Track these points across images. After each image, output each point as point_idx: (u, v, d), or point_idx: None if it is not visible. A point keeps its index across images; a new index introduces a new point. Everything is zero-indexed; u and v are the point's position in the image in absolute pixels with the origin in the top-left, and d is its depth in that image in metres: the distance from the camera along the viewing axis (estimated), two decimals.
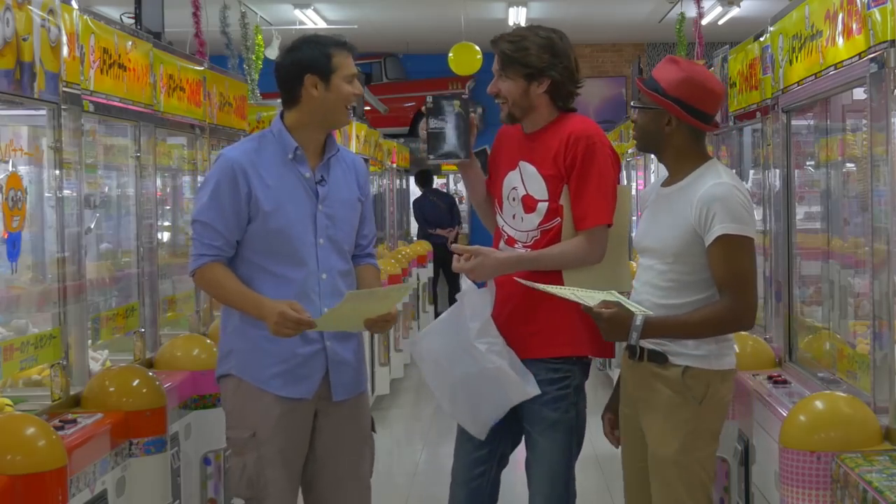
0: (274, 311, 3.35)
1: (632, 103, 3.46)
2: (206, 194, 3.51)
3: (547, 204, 3.61)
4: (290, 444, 3.51)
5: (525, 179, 3.66)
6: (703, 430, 3.30)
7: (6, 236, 3.62)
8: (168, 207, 5.76)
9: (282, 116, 3.57)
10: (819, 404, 3.37)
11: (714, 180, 3.27)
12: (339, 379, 3.56)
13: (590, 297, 3.28)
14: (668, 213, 3.35)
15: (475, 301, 3.57)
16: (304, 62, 3.47)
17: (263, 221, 3.47)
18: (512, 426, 3.67)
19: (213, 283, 3.52)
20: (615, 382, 3.63)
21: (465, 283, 3.60)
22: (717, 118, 3.47)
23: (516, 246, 3.66)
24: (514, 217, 3.68)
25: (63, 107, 3.80)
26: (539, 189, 3.62)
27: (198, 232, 3.51)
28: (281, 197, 3.49)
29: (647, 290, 3.37)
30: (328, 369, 3.53)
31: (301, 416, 3.53)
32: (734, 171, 4.85)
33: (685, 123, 3.32)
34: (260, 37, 9.16)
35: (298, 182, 3.52)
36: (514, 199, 3.68)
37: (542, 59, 3.61)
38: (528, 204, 3.64)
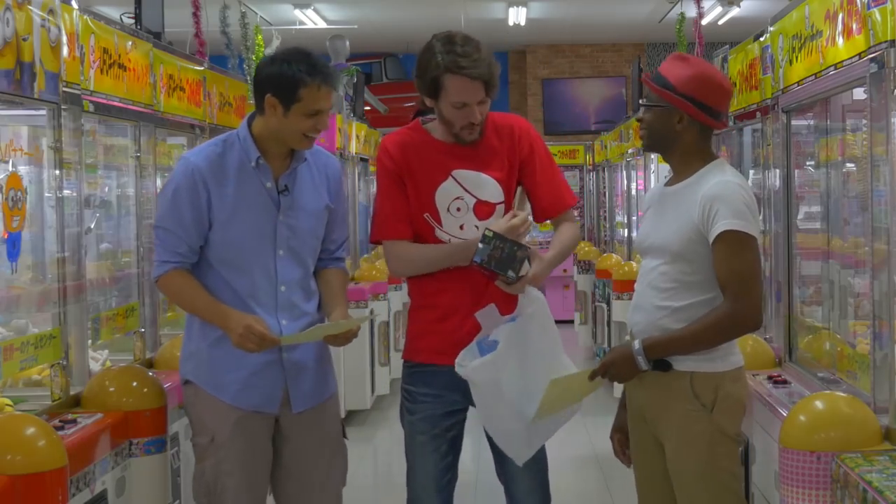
0: (240, 324, 3.30)
1: (640, 101, 3.40)
2: (167, 200, 3.43)
3: (504, 205, 3.57)
4: (249, 450, 3.45)
5: (469, 187, 3.55)
6: (721, 436, 3.25)
7: (6, 236, 3.63)
8: None
9: (251, 120, 3.48)
10: (819, 404, 3.37)
11: (718, 178, 3.25)
12: (299, 390, 3.49)
13: (570, 388, 3.34)
14: (673, 211, 3.32)
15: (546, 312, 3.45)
16: (271, 81, 3.35)
17: (220, 230, 3.40)
18: (462, 432, 3.66)
19: (178, 291, 3.47)
20: (620, 400, 3.58)
21: (534, 291, 3.43)
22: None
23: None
24: (462, 227, 3.56)
25: (63, 107, 3.80)
26: (493, 192, 3.56)
27: (160, 238, 3.44)
28: (238, 206, 3.41)
29: (648, 292, 3.35)
30: (286, 380, 3.47)
31: (260, 422, 3.46)
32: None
33: (696, 121, 3.29)
34: (260, 37, 9.16)
35: (259, 191, 3.43)
36: (459, 209, 3.56)
37: (499, 69, 3.54)
38: (484, 210, 3.56)
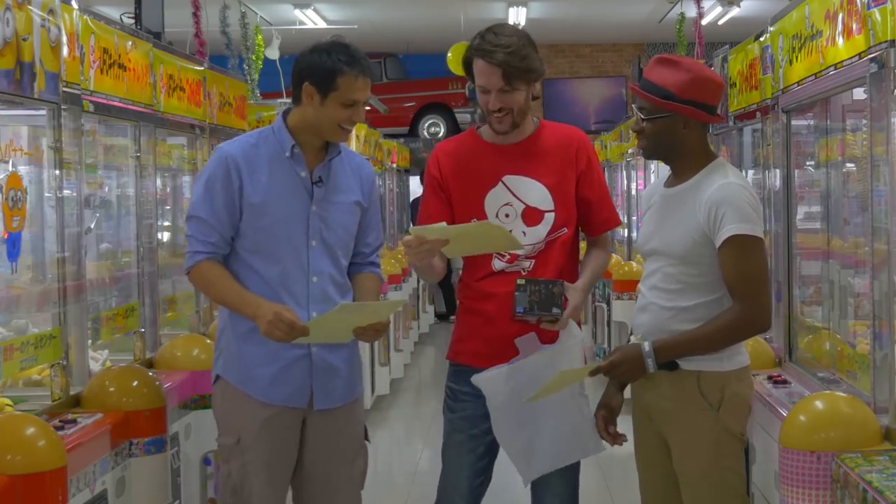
0: (270, 311, 3.27)
1: (641, 115, 3.31)
2: (200, 189, 3.43)
3: (554, 214, 3.55)
4: (276, 451, 3.44)
5: (519, 193, 3.55)
6: (727, 435, 3.24)
7: (6, 236, 3.63)
8: (168, 207, 5.76)
9: (286, 114, 3.49)
10: (819, 404, 3.37)
11: (721, 180, 3.23)
12: (323, 387, 3.47)
13: (571, 376, 3.34)
14: (676, 214, 3.30)
15: (577, 347, 3.47)
16: (310, 69, 3.37)
17: (253, 218, 3.39)
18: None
19: (209, 282, 3.44)
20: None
21: (574, 327, 3.45)
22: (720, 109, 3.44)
23: (518, 259, 3.54)
24: (510, 233, 3.53)
25: (63, 107, 3.80)
26: (543, 199, 3.55)
27: (193, 228, 3.42)
28: (271, 193, 3.40)
29: (653, 294, 3.33)
30: (313, 377, 3.45)
31: (286, 423, 3.45)
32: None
33: (699, 123, 3.28)
34: (260, 37, 9.17)
35: (293, 181, 3.43)
36: (508, 216, 3.55)
37: (539, 60, 3.54)
38: (533, 216, 3.55)
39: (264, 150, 3.45)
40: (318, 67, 3.36)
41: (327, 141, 3.49)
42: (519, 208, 3.55)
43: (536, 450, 3.48)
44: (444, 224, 3.39)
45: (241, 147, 3.46)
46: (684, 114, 3.24)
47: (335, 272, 3.50)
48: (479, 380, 3.43)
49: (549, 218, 3.56)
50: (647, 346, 3.23)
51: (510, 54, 3.44)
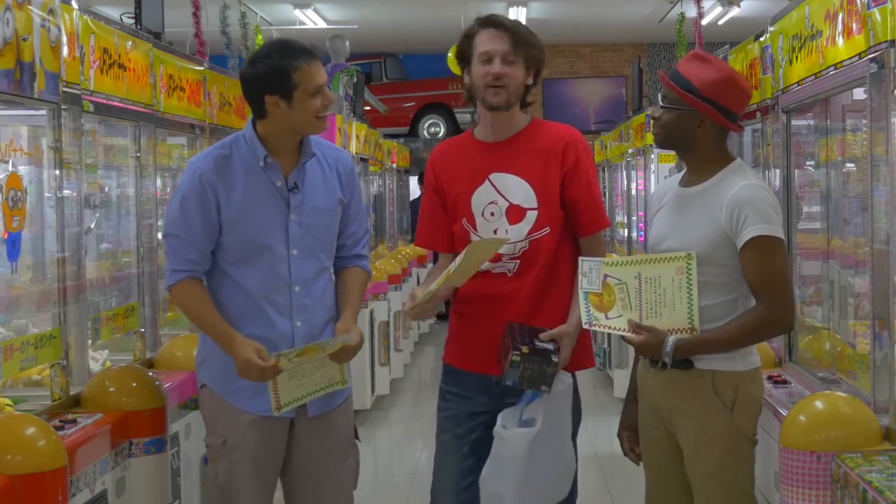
0: (240, 357, 3.28)
1: (660, 102, 3.30)
2: (176, 208, 3.39)
3: (536, 212, 3.51)
4: (262, 452, 3.43)
5: (504, 190, 3.52)
6: (739, 435, 3.22)
7: (6, 236, 3.63)
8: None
9: (255, 121, 3.45)
10: (819, 404, 3.37)
11: (743, 182, 3.20)
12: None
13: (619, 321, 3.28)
14: (694, 214, 3.26)
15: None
16: (262, 81, 3.32)
17: (231, 232, 3.37)
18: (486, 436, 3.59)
19: (188, 304, 3.42)
20: (628, 396, 3.55)
21: (563, 374, 3.42)
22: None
23: (502, 260, 3.51)
24: (495, 232, 3.52)
25: (63, 107, 3.81)
26: (527, 197, 3.51)
27: (171, 246, 3.40)
28: (248, 206, 3.37)
29: None
30: None
31: (273, 425, 3.44)
32: None
33: (716, 125, 3.25)
34: (260, 37, 9.18)
35: (269, 191, 3.39)
36: (493, 214, 3.52)
37: (543, 52, 3.55)
38: (515, 214, 3.51)
39: (237, 158, 3.41)
40: (271, 75, 3.31)
41: (301, 141, 3.45)
42: (503, 206, 3.52)
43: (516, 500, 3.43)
44: (440, 279, 3.38)
45: (214, 161, 3.41)
46: (701, 111, 3.22)
47: (318, 278, 3.47)
48: (507, 434, 3.39)
49: (531, 216, 3.51)
50: (669, 344, 3.18)
51: (518, 25, 3.54)
